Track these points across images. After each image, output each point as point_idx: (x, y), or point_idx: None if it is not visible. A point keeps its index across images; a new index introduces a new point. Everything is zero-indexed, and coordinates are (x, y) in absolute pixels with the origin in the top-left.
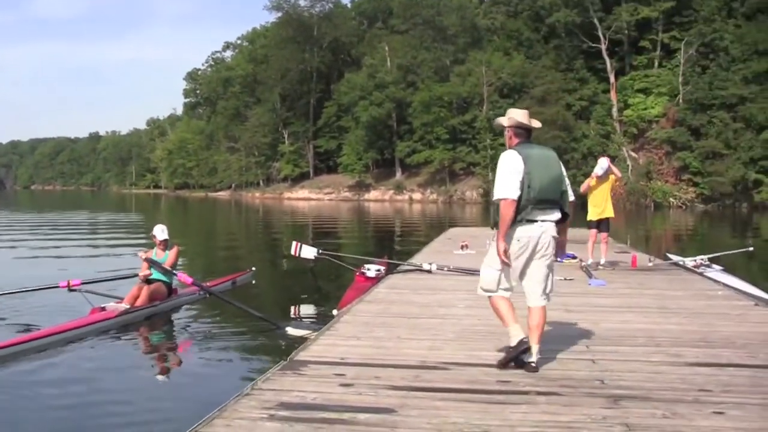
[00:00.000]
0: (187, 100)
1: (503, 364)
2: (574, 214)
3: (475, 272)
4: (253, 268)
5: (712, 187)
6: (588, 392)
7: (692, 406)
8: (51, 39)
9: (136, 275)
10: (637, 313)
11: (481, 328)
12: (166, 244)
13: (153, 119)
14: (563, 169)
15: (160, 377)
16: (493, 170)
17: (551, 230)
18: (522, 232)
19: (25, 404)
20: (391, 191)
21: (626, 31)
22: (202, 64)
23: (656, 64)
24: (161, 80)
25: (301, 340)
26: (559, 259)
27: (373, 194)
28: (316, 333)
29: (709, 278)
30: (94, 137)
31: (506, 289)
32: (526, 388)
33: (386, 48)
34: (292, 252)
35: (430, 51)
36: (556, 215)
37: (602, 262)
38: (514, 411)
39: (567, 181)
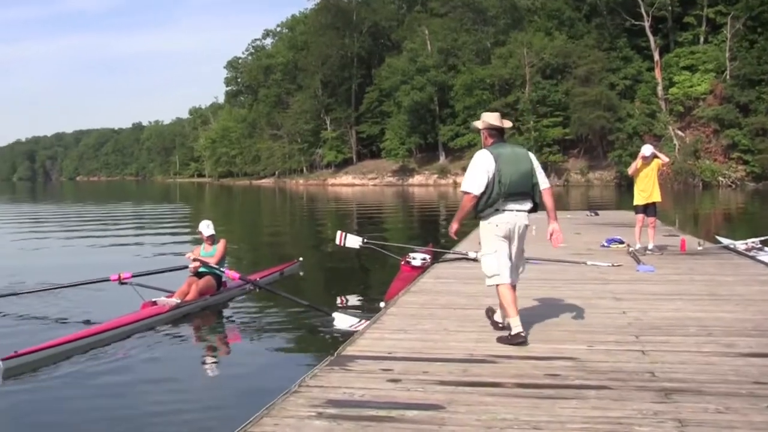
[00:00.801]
0: (229, 88)
1: (499, 341)
2: (553, 200)
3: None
4: (300, 259)
5: (762, 164)
6: (638, 386)
7: (747, 400)
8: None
9: (186, 267)
10: (687, 300)
11: (529, 319)
12: (213, 239)
13: (195, 108)
14: (535, 163)
15: (210, 374)
16: (538, 152)
17: (524, 218)
18: (498, 219)
19: (80, 401)
20: (435, 175)
21: (670, 7)
22: (243, 53)
23: (702, 39)
24: (203, 69)
25: (348, 334)
26: (606, 244)
27: (417, 179)
28: (362, 321)
29: (762, 262)
30: (138, 127)
31: (507, 269)
32: (575, 381)
33: (426, 31)
34: (337, 242)
35: (470, 33)
36: (528, 205)
37: (650, 246)
38: (564, 406)
39: (539, 175)
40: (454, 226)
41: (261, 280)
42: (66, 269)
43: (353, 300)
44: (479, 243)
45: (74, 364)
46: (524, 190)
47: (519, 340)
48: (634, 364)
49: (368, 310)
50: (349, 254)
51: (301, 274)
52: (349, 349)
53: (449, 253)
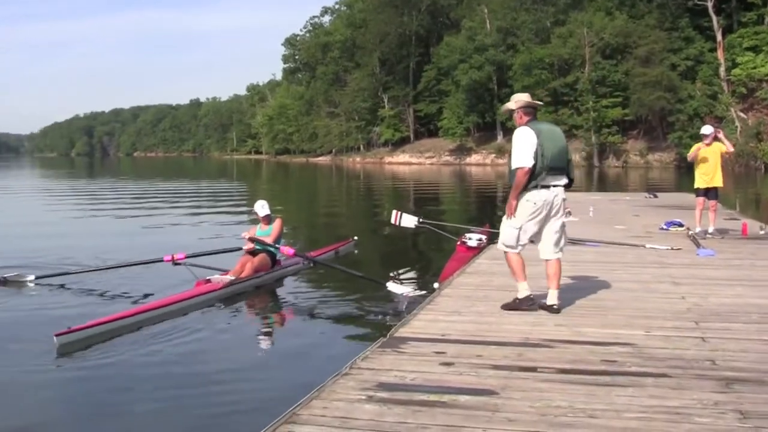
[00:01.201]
0: (287, 65)
1: (506, 308)
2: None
3: (579, 242)
4: (355, 238)
5: None
6: (698, 374)
7: None
8: (152, 7)
9: (240, 248)
10: (748, 286)
11: (586, 302)
12: (269, 219)
13: (253, 85)
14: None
15: (261, 353)
16: (596, 132)
17: (561, 193)
18: (537, 196)
19: (130, 376)
20: (493, 155)
21: None
22: (301, 30)
23: (766, 20)
24: (261, 46)
25: (401, 316)
26: (665, 227)
27: (474, 158)
28: (415, 292)
29: None
30: (195, 104)
31: (522, 245)
32: (633, 368)
33: (485, 10)
34: (393, 221)
35: (529, 12)
36: (564, 180)
37: (710, 230)
38: (620, 394)
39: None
40: (513, 203)
41: (317, 257)
42: (121, 248)
43: (407, 280)
44: (517, 210)
45: (126, 341)
46: (561, 165)
47: (529, 303)
48: (693, 352)
49: (422, 290)
50: (404, 233)
51: (356, 252)
52: (402, 331)
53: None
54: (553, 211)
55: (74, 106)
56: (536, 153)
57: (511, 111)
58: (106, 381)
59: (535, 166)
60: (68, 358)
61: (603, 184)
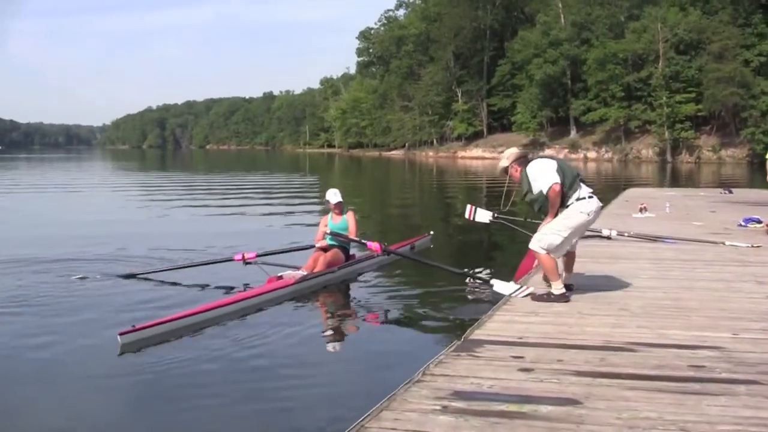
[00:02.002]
0: (361, 59)
1: (537, 300)
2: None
3: (658, 239)
4: (431, 233)
5: None
6: None
7: None
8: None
9: (312, 246)
10: None
11: (668, 303)
12: (341, 207)
13: (326, 78)
14: None
15: (331, 357)
16: (669, 128)
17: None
18: (589, 206)
19: (193, 376)
20: (566, 150)
21: None
22: (375, 23)
23: None
24: (335, 39)
25: (474, 319)
26: (743, 224)
27: (548, 153)
28: (523, 288)
29: None
30: (268, 97)
31: (562, 253)
32: (723, 375)
33: (560, 5)
34: (467, 216)
35: (604, 7)
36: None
37: None
38: (712, 404)
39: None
40: (549, 220)
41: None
42: (192, 245)
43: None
44: (562, 219)
45: (190, 340)
46: (582, 178)
47: (564, 300)
48: None
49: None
50: (478, 229)
51: (432, 247)
52: (477, 333)
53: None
54: (594, 220)
55: (147, 98)
56: (560, 171)
57: (506, 167)
58: (166, 380)
59: (567, 181)
60: (131, 356)
61: (676, 179)
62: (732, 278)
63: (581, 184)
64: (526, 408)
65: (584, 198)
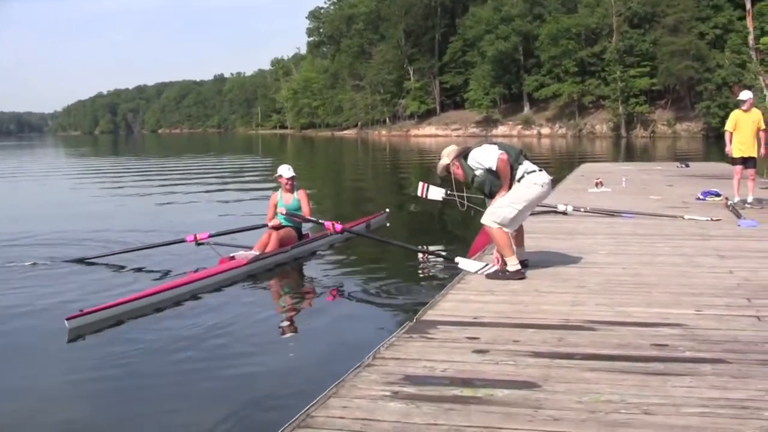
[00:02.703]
0: (311, 39)
1: (492, 278)
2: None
3: (615, 213)
4: (387, 210)
5: None
6: (759, 359)
7: None
8: None
9: (264, 225)
10: None
11: (627, 279)
12: (293, 184)
13: (277, 59)
14: None
15: (280, 339)
16: (624, 103)
17: None
18: (541, 178)
19: (142, 361)
20: (519, 126)
21: None
22: (325, 2)
23: None
24: (285, 20)
25: (429, 299)
26: (701, 197)
27: (501, 129)
28: (489, 265)
29: None
30: (219, 79)
31: (515, 228)
32: (687, 354)
33: None
34: (419, 193)
35: None
36: None
37: (749, 200)
38: (677, 384)
39: None
40: (502, 193)
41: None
42: (143, 228)
43: (435, 257)
44: (515, 191)
45: (141, 324)
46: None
47: (520, 276)
48: (750, 333)
49: (452, 267)
50: (432, 206)
51: (388, 225)
52: (430, 313)
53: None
54: (550, 191)
55: (98, 83)
56: (502, 148)
57: (447, 165)
58: (117, 365)
59: (512, 156)
60: (80, 342)
61: (631, 154)
62: (693, 253)
63: (525, 159)
64: (482, 392)
65: (534, 171)
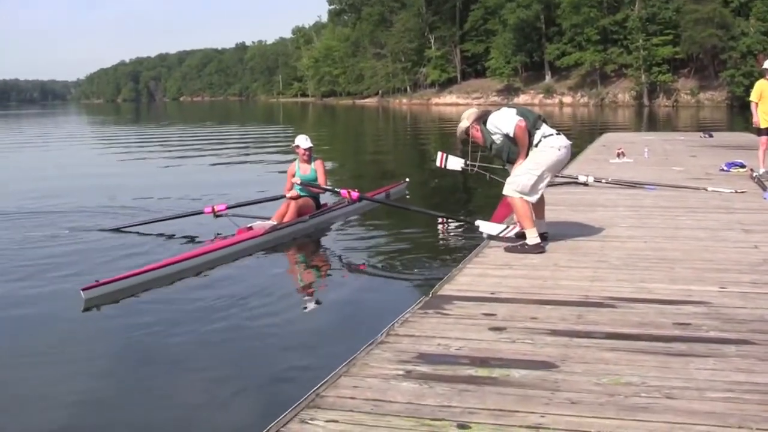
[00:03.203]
0: (332, 7)
1: (511, 251)
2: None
3: (637, 185)
4: (407, 180)
5: None
6: None
7: None
8: None
9: (283, 197)
10: None
11: (649, 253)
12: (310, 154)
13: (298, 27)
14: None
15: (296, 310)
16: (646, 71)
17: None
18: (559, 141)
19: (157, 333)
20: (541, 95)
21: None
22: None
23: None
24: None
25: (446, 271)
26: (725, 168)
27: (522, 98)
28: (510, 227)
29: None
30: (241, 47)
31: (537, 195)
32: (710, 333)
33: None
34: (438, 163)
35: None
36: None
37: None
38: (700, 367)
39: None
40: (520, 161)
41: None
42: (162, 198)
43: (455, 227)
44: (533, 157)
45: (157, 294)
46: (543, 119)
47: (539, 250)
48: None
49: (471, 239)
50: (453, 176)
51: (407, 194)
52: (447, 288)
53: (557, 176)
54: (569, 156)
55: (120, 52)
56: (519, 114)
57: (467, 128)
58: (132, 336)
59: (530, 121)
60: (95, 312)
61: (654, 123)
62: (717, 226)
63: (543, 123)
64: (497, 372)
65: (551, 134)
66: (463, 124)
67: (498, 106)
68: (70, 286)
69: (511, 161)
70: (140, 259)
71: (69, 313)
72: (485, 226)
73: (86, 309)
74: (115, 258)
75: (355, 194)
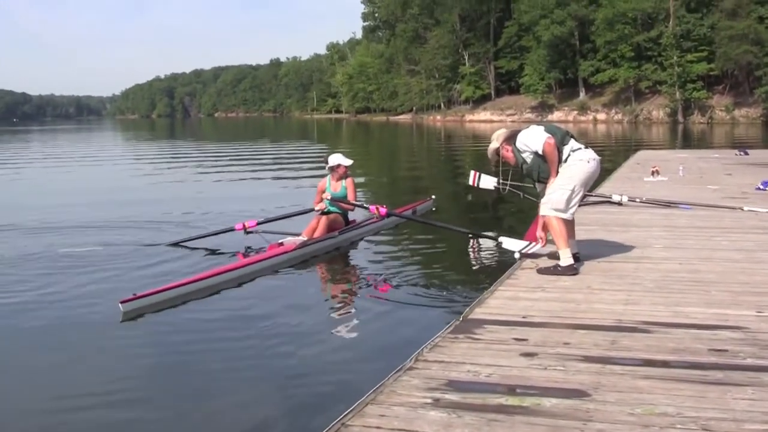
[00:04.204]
0: (366, 23)
1: (543, 273)
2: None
3: (671, 204)
4: (433, 197)
5: None
6: None
7: None
8: None
9: (312, 210)
10: None
11: (684, 275)
12: (345, 172)
13: (333, 44)
14: None
15: (323, 332)
16: (680, 88)
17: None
18: (587, 154)
19: (191, 345)
20: (575, 112)
21: None
22: None
23: None
24: (340, 4)
25: (477, 291)
26: (761, 187)
27: (556, 115)
28: (533, 244)
29: None
30: (275, 63)
31: (572, 211)
32: (748, 360)
33: None
34: (470, 182)
35: None
36: None
37: None
38: (738, 396)
39: None
40: (552, 180)
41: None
42: (196, 215)
43: (486, 247)
44: (563, 173)
45: (192, 307)
46: (571, 135)
47: (572, 272)
48: None
49: (502, 262)
50: (484, 196)
51: (434, 210)
52: (478, 311)
53: (591, 195)
54: (599, 169)
55: (155, 67)
56: (548, 131)
57: (497, 148)
58: (166, 348)
59: (558, 136)
60: (133, 324)
61: (688, 141)
62: (753, 247)
63: (572, 138)
64: (528, 401)
65: (579, 148)
66: (493, 145)
67: (529, 123)
68: (108, 299)
69: (542, 180)
70: (174, 276)
71: (107, 325)
72: (508, 243)
73: (124, 320)
74: (150, 273)
75: (383, 210)
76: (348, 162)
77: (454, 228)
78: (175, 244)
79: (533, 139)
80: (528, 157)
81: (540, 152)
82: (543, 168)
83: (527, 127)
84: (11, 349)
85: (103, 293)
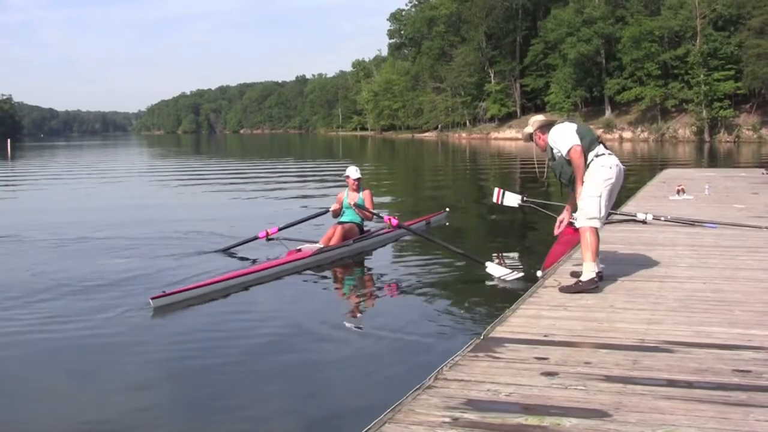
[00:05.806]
0: (392, 41)
1: (565, 291)
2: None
3: (696, 223)
4: (447, 210)
5: None
6: None
7: None
8: None
9: (327, 210)
10: None
11: (708, 295)
12: (359, 184)
13: (358, 61)
14: None
15: (345, 345)
16: (707, 107)
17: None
18: (608, 160)
19: (218, 338)
20: (601, 130)
21: None
22: (406, 4)
23: None
24: (366, 21)
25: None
26: None
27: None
28: (514, 272)
29: None
30: (301, 80)
31: (603, 217)
32: None
33: None
34: (495, 199)
35: None
36: None
37: None
38: (760, 418)
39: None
40: (579, 188)
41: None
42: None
43: (509, 263)
44: (588, 182)
45: (218, 304)
46: (600, 140)
47: (593, 285)
48: None
49: (523, 279)
50: (507, 212)
51: (447, 224)
52: (499, 330)
53: (616, 214)
54: (622, 177)
55: (181, 84)
56: (578, 134)
57: (531, 134)
58: (191, 343)
59: (585, 140)
60: (161, 318)
61: (715, 159)
62: None
63: (599, 144)
64: (548, 421)
65: (603, 154)
66: (528, 129)
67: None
68: (141, 295)
69: (563, 181)
70: (203, 277)
71: (138, 319)
72: (492, 268)
73: (154, 315)
74: (181, 278)
75: (394, 221)
76: (356, 174)
77: (447, 246)
78: (203, 253)
79: (562, 141)
80: (556, 154)
81: (565, 156)
82: (566, 170)
83: (562, 121)
84: (50, 332)
85: (133, 289)
